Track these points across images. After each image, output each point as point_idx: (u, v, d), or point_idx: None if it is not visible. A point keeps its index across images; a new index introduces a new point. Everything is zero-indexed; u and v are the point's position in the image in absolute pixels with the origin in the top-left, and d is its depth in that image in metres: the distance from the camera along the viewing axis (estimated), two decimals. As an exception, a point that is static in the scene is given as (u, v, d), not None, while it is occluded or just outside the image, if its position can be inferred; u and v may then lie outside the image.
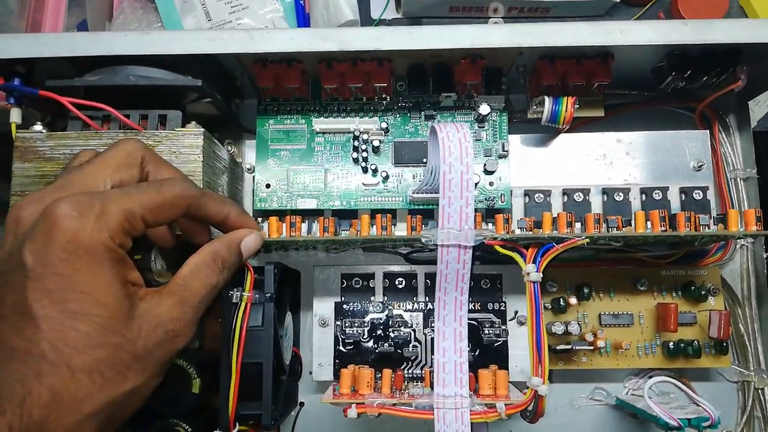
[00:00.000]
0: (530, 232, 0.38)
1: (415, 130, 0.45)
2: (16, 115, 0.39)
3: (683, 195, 0.44)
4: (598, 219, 0.38)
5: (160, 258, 0.34)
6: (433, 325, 0.40)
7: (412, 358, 0.43)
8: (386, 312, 0.44)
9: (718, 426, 0.39)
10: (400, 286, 0.44)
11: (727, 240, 0.45)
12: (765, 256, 0.47)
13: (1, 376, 0.24)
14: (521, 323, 0.43)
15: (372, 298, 0.44)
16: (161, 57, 0.38)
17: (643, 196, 0.44)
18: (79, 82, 0.39)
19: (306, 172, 0.44)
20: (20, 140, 0.37)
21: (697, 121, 0.47)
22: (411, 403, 0.37)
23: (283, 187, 0.44)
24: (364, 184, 0.44)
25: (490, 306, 0.43)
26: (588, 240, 0.36)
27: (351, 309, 0.44)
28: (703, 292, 0.43)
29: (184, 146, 0.37)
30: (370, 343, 0.43)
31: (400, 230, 0.44)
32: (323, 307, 0.44)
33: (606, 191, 0.44)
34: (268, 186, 0.44)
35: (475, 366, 0.40)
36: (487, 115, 0.44)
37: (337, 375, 0.42)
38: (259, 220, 0.44)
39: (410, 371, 0.43)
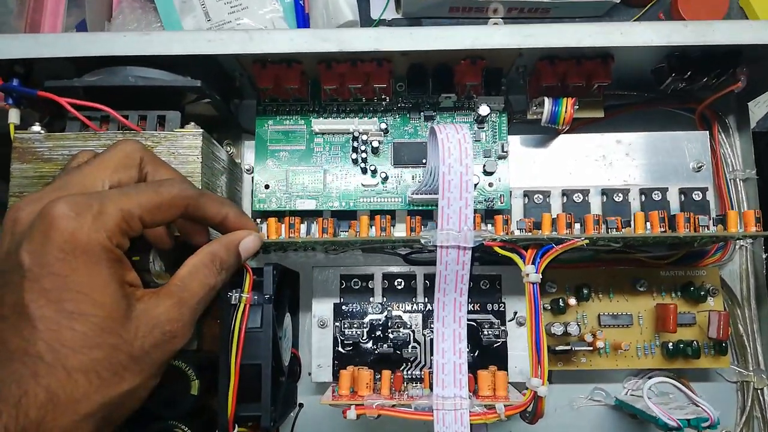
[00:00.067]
0: (529, 233, 0.38)
1: (414, 131, 0.45)
2: (14, 116, 0.39)
3: (683, 196, 0.44)
4: (598, 220, 0.38)
5: (158, 259, 0.34)
6: (432, 326, 0.40)
7: (412, 359, 0.43)
8: (385, 313, 0.44)
9: (718, 426, 0.39)
10: (400, 287, 0.44)
11: (726, 241, 0.45)
12: (764, 256, 0.47)
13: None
14: (520, 324, 0.43)
15: (371, 299, 0.44)
16: (160, 57, 0.38)
17: (643, 197, 0.44)
18: (77, 82, 0.39)
19: (305, 172, 0.44)
20: (19, 141, 0.37)
21: (697, 122, 0.47)
22: (410, 404, 0.37)
23: (282, 187, 0.44)
24: (363, 185, 0.44)
25: (489, 307, 0.43)
26: (587, 241, 0.36)
27: (350, 310, 0.44)
28: (702, 293, 0.43)
29: (182, 147, 0.37)
30: (370, 345, 0.43)
31: (400, 231, 0.44)
32: (322, 308, 0.44)
33: (605, 192, 0.44)
34: (267, 187, 0.44)
35: (474, 367, 0.40)
36: (487, 116, 0.44)
37: (336, 376, 0.42)
38: (258, 221, 0.44)
39: (409, 372, 0.43)
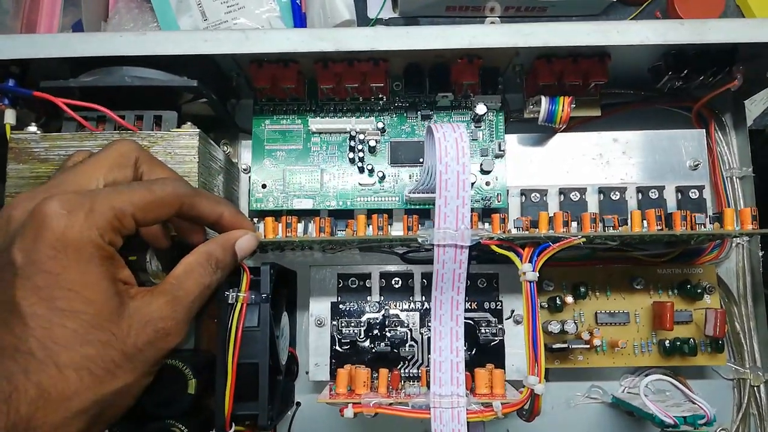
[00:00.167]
0: (526, 232, 0.38)
1: (411, 130, 0.45)
2: (10, 116, 0.39)
3: (679, 194, 0.44)
4: (595, 218, 0.38)
5: (155, 259, 0.34)
6: (429, 324, 0.40)
7: (409, 357, 0.43)
8: (383, 312, 0.44)
9: (714, 423, 0.39)
10: (397, 286, 0.44)
11: (723, 239, 0.45)
12: (761, 254, 0.47)
13: None
14: (518, 322, 0.43)
15: (368, 298, 0.44)
16: (157, 57, 0.38)
17: (640, 195, 0.44)
18: (74, 82, 0.39)
19: (302, 172, 0.44)
20: (15, 141, 0.37)
21: (694, 120, 0.47)
22: (407, 402, 0.37)
23: (279, 187, 0.44)
24: (360, 184, 0.44)
25: (486, 305, 0.43)
26: (584, 239, 0.36)
27: (347, 309, 0.44)
28: (699, 291, 0.44)
29: (179, 147, 0.37)
30: (367, 343, 0.43)
31: (397, 230, 0.44)
32: (319, 307, 0.44)
33: (602, 190, 0.44)
34: (264, 186, 0.44)
35: (471, 365, 0.40)
36: (484, 114, 0.44)
37: (333, 375, 0.42)
38: (255, 220, 0.44)
39: (407, 371, 0.43)
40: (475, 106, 0.43)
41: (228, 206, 0.34)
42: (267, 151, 0.44)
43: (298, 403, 0.46)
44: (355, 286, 0.44)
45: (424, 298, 0.44)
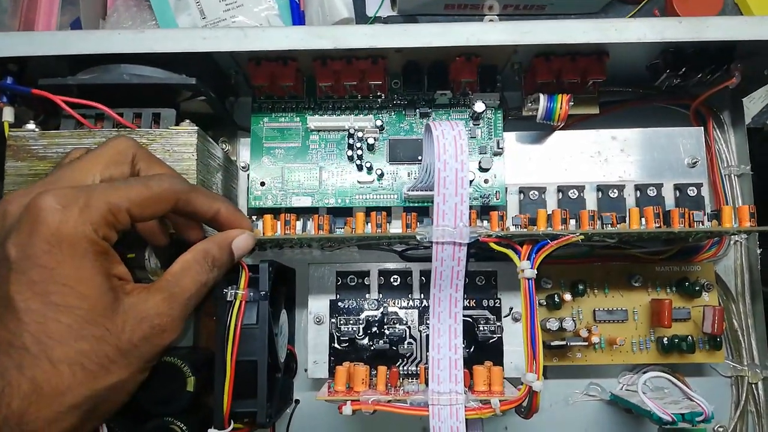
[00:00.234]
0: (525, 229, 0.38)
1: (410, 128, 0.45)
2: (8, 114, 0.39)
3: (677, 191, 0.44)
4: (593, 216, 0.39)
5: (153, 256, 0.34)
6: (428, 322, 0.40)
7: (407, 355, 0.43)
8: (381, 309, 0.44)
9: (712, 421, 0.39)
10: (395, 284, 0.44)
11: (721, 236, 0.45)
12: (759, 251, 0.47)
13: None
14: (516, 320, 0.43)
15: (367, 295, 0.44)
16: (155, 55, 0.38)
17: (638, 193, 0.44)
18: (72, 80, 0.39)
19: (301, 169, 0.44)
20: (13, 139, 0.37)
21: (692, 118, 0.47)
22: (406, 399, 0.37)
23: (278, 185, 0.44)
24: (359, 181, 0.44)
25: (484, 303, 0.43)
26: (582, 237, 0.36)
27: (346, 306, 0.44)
28: (697, 288, 0.44)
29: (178, 144, 0.37)
30: (365, 341, 0.43)
31: (395, 228, 0.44)
32: (318, 305, 0.44)
33: (600, 188, 0.44)
34: (262, 184, 0.44)
35: (469, 362, 0.40)
36: (482, 112, 0.44)
37: (332, 372, 0.42)
38: (254, 218, 0.44)
39: (405, 368, 0.43)
40: (474, 104, 0.43)
41: (225, 203, 0.34)
42: (265, 149, 0.44)
43: (297, 401, 0.46)
44: (353, 283, 0.44)
45: (422, 295, 0.44)
